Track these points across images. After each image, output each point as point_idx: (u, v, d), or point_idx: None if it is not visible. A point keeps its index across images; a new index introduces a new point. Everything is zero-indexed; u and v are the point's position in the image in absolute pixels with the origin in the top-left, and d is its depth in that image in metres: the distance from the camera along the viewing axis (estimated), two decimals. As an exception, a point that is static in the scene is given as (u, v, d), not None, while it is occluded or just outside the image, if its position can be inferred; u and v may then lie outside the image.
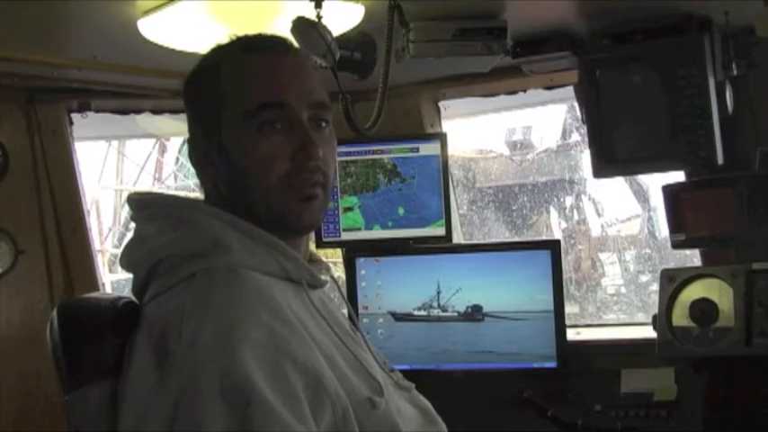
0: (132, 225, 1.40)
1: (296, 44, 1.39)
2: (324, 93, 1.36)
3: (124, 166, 7.88)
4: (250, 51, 1.34)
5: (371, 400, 1.25)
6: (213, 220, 1.30)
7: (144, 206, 1.38)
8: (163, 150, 7.92)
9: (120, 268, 1.45)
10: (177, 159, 7.94)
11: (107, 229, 7.45)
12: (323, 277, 1.38)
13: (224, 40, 1.39)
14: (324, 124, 1.35)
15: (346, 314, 1.52)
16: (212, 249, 1.26)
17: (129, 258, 1.36)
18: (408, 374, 1.49)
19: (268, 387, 1.12)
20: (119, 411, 1.21)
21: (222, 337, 1.14)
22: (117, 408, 1.23)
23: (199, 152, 1.36)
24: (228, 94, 1.31)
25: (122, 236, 7.08)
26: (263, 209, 1.31)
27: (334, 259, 4.46)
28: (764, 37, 2.07)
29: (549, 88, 2.79)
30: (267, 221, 1.31)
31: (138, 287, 1.34)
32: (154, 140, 7.47)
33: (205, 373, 1.12)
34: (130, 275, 1.38)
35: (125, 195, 7.00)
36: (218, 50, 1.37)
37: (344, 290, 2.88)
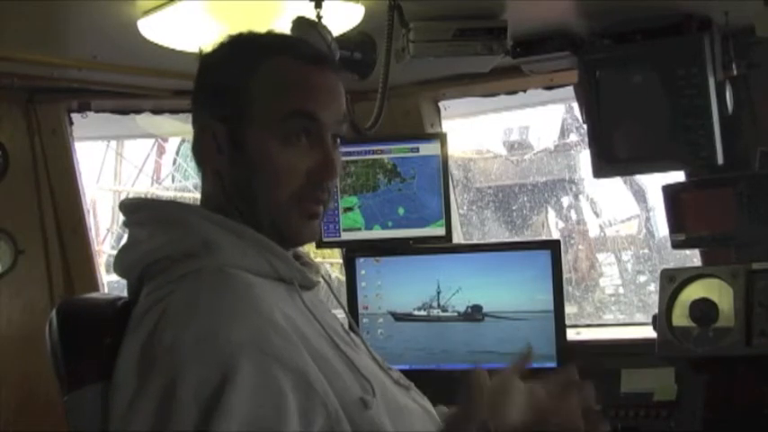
0: (130, 228, 1.39)
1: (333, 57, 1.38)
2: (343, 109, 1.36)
3: (122, 168, 7.87)
4: (294, 57, 1.33)
5: (363, 400, 1.25)
6: (203, 222, 1.29)
7: (135, 210, 1.37)
8: (161, 152, 7.91)
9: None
10: (175, 161, 7.94)
11: (105, 230, 7.44)
12: (314, 278, 1.38)
13: (261, 35, 1.37)
14: (338, 142, 1.36)
15: (341, 315, 1.51)
16: (203, 250, 1.26)
17: (121, 263, 1.35)
18: (408, 374, 1.49)
19: (248, 391, 1.11)
20: (109, 415, 1.21)
21: (202, 341, 1.13)
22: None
23: (209, 136, 1.33)
24: (262, 93, 1.30)
25: (120, 237, 7.06)
26: (265, 218, 1.31)
27: (332, 260, 4.47)
28: (764, 37, 2.07)
29: (549, 88, 2.79)
30: (265, 228, 1.31)
31: (132, 291, 1.33)
32: (152, 142, 7.47)
33: (182, 377, 1.11)
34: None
35: (123, 197, 6.99)
36: (258, 43, 1.35)
37: (343, 290, 2.89)
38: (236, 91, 1.31)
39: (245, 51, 1.35)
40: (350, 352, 1.32)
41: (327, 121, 1.31)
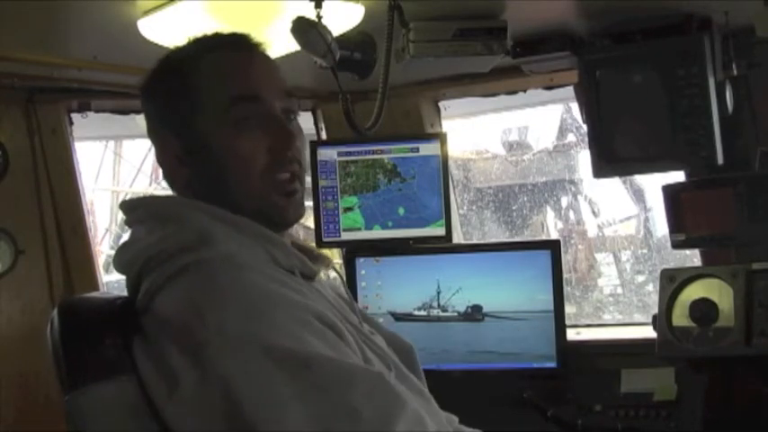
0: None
1: (257, 39, 1.41)
2: (287, 84, 1.40)
3: (121, 168, 7.87)
4: (221, 50, 1.37)
5: (381, 374, 1.26)
6: (199, 214, 1.32)
7: (134, 208, 1.40)
8: (160, 152, 7.90)
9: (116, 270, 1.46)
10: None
11: (103, 230, 7.44)
12: (314, 268, 1.39)
13: (187, 41, 1.41)
14: (293, 116, 1.39)
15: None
16: (200, 242, 1.28)
17: (120, 260, 1.37)
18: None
19: (316, 340, 1.15)
20: (170, 424, 1.19)
21: (250, 315, 1.16)
22: (120, 409, 1.24)
23: (169, 153, 1.38)
24: (203, 93, 1.34)
25: (119, 237, 7.07)
26: (247, 207, 1.33)
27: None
28: (764, 37, 2.07)
29: (549, 88, 2.80)
30: (252, 218, 1.33)
31: (132, 287, 1.35)
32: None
33: (249, 352, 1.12)
34: (124, 277, 1.39)
35: (122, 197, 6.99)
36: (187, 51, 1.39)
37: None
38: (178, 99, 1.35)
39: (175, 60, 1.39)
40: (362, 333, 1.35)
41: (270, 97, 1.35)
